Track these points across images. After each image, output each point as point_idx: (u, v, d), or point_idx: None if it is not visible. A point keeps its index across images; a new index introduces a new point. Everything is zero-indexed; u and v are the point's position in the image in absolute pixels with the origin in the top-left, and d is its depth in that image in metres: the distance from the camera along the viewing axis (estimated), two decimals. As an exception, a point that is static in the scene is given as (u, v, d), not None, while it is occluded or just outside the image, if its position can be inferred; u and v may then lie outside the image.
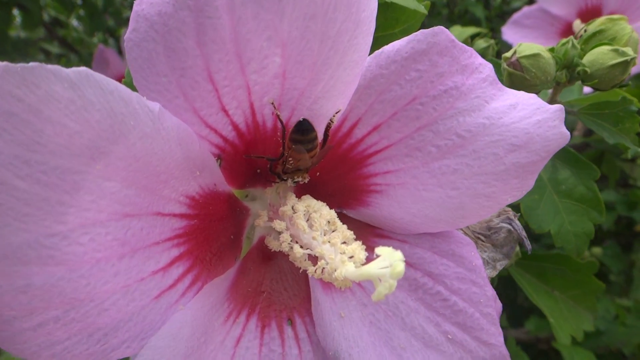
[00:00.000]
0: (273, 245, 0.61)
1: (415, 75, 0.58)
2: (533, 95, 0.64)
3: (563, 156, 1.04)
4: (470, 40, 1.46)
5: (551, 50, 0.91)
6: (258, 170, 0.62)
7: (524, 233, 0.71)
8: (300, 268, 0.59)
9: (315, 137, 0.56)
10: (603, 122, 1.01)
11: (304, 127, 0.55)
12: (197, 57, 0.48)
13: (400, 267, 0.44)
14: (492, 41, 1.41)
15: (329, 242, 0.54)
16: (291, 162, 0.57)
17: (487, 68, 0.62)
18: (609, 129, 1.01)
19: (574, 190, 1.02)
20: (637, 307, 2.32)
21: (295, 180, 0.60)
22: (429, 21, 2.40)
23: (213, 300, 0.57)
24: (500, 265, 0.71)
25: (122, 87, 0.44)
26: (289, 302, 0.63)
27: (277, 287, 0.64)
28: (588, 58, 0.88)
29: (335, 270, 0.51)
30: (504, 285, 1.61)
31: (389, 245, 0.54)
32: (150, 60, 0.47)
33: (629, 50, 0.85)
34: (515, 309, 1.97)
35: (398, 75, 0.58)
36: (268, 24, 0.49)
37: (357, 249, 0.52)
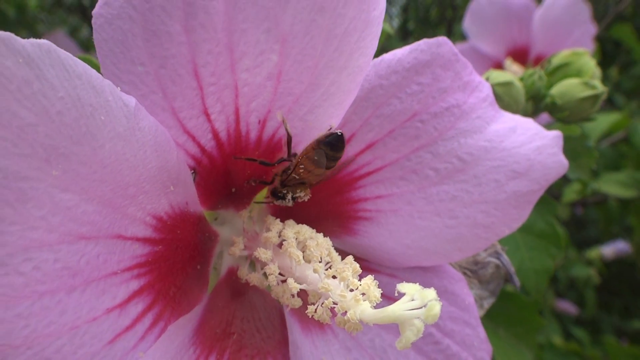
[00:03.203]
0: (251, 278, 0.52)
1: (417, 88, 0.52)
2: (529, 119, 0.60)
3: (522, 190, 1.02)
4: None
5: (520, 79, 0.88)
6: (233, 190, 0.52)
7: (512, 268, 0.66)
8: (278, 305, 0.50)
9: (341, 156, 0.48)
10: (562, 156, 1.00)
11: (339, 143, 0.47)
12: (183, 44, 0.39)
13: (437, 308, 0.37)
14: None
15: (333, 275, 0.45)
16: (301, 172, 0.48)
17: (486, 87, 0.57)
18: (569, 163, 1.00)
19: (534, 225, 1.00)
20: (550, 344, 2.38)
21: (296, 196, 0.51)
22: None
23: (177, 345, 0.47)
24: (487, 304, 0.65)
25: (92, 72, 0.34)
26: (263, 346, 0.54)
27: (249, 328, 0.54)
28: (557, 90, 0.87)
29: (348, 311, 0.42)
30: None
31: (378, 278, 0.47)
32: (125, 44, 0.38)
33: (598, 83, 0.84)
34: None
35: (399, 87, 0.52)
36: (269, 13, 0.41)
37: (371, 285, 0.43)
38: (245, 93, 0.44)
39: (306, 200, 0.51)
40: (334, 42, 0.44)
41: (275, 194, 0.51)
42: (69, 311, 0.38)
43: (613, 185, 2.15)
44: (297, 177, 0.49)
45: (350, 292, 0.43)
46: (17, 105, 0.31)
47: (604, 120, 2.34)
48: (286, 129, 0.47)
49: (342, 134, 0.47)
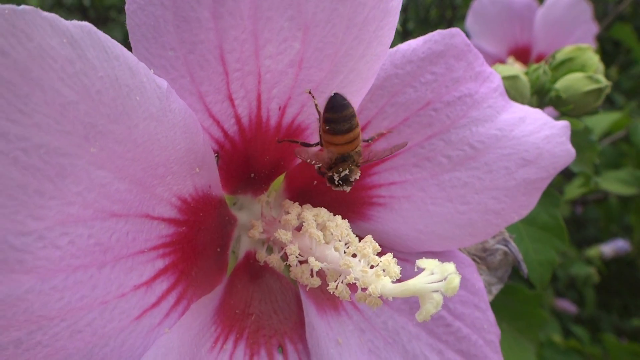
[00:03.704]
0: (271, 260, 0.53)
1: (430, 78, 0.54)
2: (538, 109, 0.61)
3: (526, 183, 1.03)
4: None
5: (525, 74, 0.90)
6: (252, 175, 0.54)
7: (520, 256, 0.68)
8: (294, 288, 0.52)
9: (353, 116, 0.48)
10: (565, 150, 1.02)
11: (337, 103, 0.47)
12: (211, 30, 0.41)
13: (456, 280, 0.38)
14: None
15: (353, 254, 0.47)
16: (329, 147, 0.49)
17: (497, 78, 0.58)
18: (571, 157, 1.01)
19: (538, 217, 1.01)
20: (550, 342, 2.39)
21: (343, 175, 0.50)
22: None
23: (200, 323, 0.48)
24: (495, 290, 0.67)
25: (128, 54, 0.36)
26: (280, 327, 0.55)
27: (267, 309, 0.56)
28: (562, 84, 0.88)
29: (369, 286, 0.44)
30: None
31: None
32: (157, 29, 0.40)
33: (602, 77, 0.86)
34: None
35: (413, 76, 0.53)
36: (292, 1, 0.43)
37: (391, 261, 0.45)
38: (267, 80, 0.46)
39: (357, 178, 0.51)
40: (354, 31, 0.46)
41: (327, 179, 0.52)
42: (100, 286, 0.40)
43: (614, 183, 2.17)
44: (328, 154, 0.49)
45: (371, 269, 0.45)
46: (61, 83, 0.32)
47: (605, 119, 2.36)
48: (316, 108, 0.48)
49: (336, 93, 0.47)
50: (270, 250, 0.55)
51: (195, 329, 0.47)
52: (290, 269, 0.51)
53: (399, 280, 0.47)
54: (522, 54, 2.24)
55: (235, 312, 0.53)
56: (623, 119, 2.40)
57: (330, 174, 0.50)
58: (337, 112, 0.47)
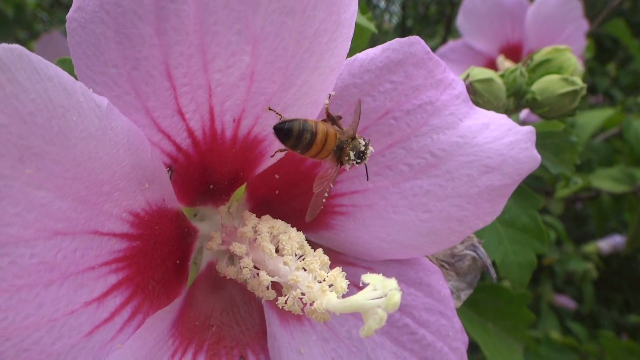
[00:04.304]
0: (228, 272, 0.53)
1: (389, 87, 0.54)
2: (503, 115, 0.61)
3: (506, 185, 1.03)
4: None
5: (500, 77, 0.90)
6: (211, 186, 0.54)
7: (488, 261, 0.68)
8: (257, 298, 0.52)
9: (304, 129, 0.49)
10: (545, 151, 1.02)
11: (281, 134, 0.48)
12: (155, 47, 0.41)
13: (397, 297, 0.38)
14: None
15: (303, 268, 0.47)
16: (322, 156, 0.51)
17: (460, 84, 0.58)
18: (551, 158, 1.01)
19: (517, 219, 1.01)
20: (547, 338, 2.40)
21: (355, 153, 0.52)
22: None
23: (156, 337, 0.48)
24: (464, 295, 0.67)
25: (64, 74, 0.36)
26: (241, 338, 0.55)
27: (228, 320, 0.56)
28: (538, 86, 0.88)
29: (315, 301, 0.44)
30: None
31: (354, 271, 0.49)
32: (98, 47, 0.39)
33: (577, 79, 0.85)
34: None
35: (372, 85, 0.53)
36: (239, 15, 0.42)
37: (338, 276, 0.45)
38: (218, 93, 0.46)
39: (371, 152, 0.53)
40: (304, 44, 0.46)
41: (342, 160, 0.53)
42: (47, 304, 0.40)
43: (605, 181, 2.16)
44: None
45: (318, 284, 0.45)
46: (-10, 108, 0.32)
47: (598, 116, 2.35)
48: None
49: (274, 126, 0.49)
50: (231, 261, 0.55)
51: (151, 343, 0.47)
52: (247, 281, 0.51)
53: (359, 289, 0.47)
54: (513, 52, 2.23)
55: (195, 324, 0.53)
56: (616, 115, 2.40)
57: (346, 158, 0.52)
58: (287, 141, 0.48)
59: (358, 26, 0.91)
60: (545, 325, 2.62)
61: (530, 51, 2.21)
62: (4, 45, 0.33)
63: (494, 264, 0.99)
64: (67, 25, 0.39)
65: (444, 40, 2.68)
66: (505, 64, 2.15)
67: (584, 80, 2.68)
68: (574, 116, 0.90)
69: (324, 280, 0.45)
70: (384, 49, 0.53)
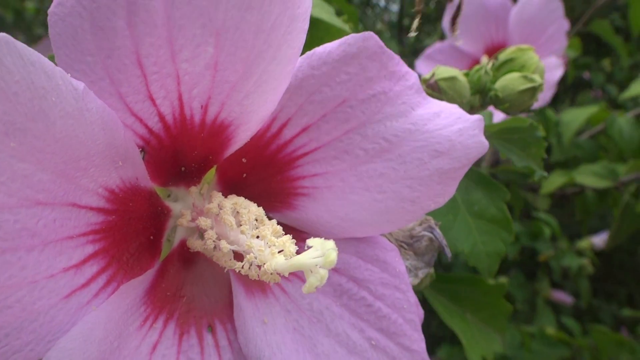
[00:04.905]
0: (196, 245, 0.59)
1: (345, 77, 0.59)
2: (455, 105, 0.66)
3: (476, 178, 1.08)
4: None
5: (466, 75, 0.95)
6: (183, 168, 0.59)
7: (444, 241, 0.73)
8: (225, 273, 0.57)
9: None
10: (512, 146, 1.07)
11: None
12: (127, 38, 0.46)
13: (333, 255, 0.43)
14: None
15: (257, 236, 0.52)
16: None
17: (413, 76, 0.63)
18: (518, 153, 1.06)
19: (486, 211, 1.06)
20: (541, 333, 2.44)
21: None
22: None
23: (129, 303, 0.53)
24: (422, 274, 0.72)
25: (44, 60, 0.41)
26: (210, 308, 0.60)
27: (198, 292, 0.61)
28: (500, 83, 0.94)
29: (265, 264, 0.49)
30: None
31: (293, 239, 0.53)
32: (76, 37, 0.45)
33: (536, 77, 0.91)
34: (429, 337, 2.01)
35: (329, 77, 0.58)
36: (203, 11, 0.48)
37: (287, 241, 0.50)
38: (186, 81, 0.51)
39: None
40: (262, 36, 0.51)
41: None
42: (29, 267, 0.45)
43: (588, 177, 2.21)
44: None
45: (269, 248, 0.50)
46: (-23, 86, 0.37)
47: (582, 113, 2.40)
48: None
49: None
50: (201, 237, 0.60)
51: (123, 308, 0.52)
52: (212, 253, 0.57)
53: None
54: (499, 51, 2.28)
55: (167, 294, 0.58)
56: (601, 112, 2.44)
57: None
58: None
59: (334, 27, 0.96)
60: (541, 321, 2.66)
61: (515, 50, 2.24)
62: (-8, 32, 0.38)
63: (463, 253, 1.04)
64: (48, 18, 0.44)
65: (442, 38, 2.73)
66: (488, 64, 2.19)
67: (570, 76, 2.72)
68: (530, 112, 0.95)
69: (274, 246, 0.50)
70: (340, 43, 0.58)
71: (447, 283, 1.33)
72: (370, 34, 0.59)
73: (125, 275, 0.54)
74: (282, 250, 0.50)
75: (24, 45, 0.40)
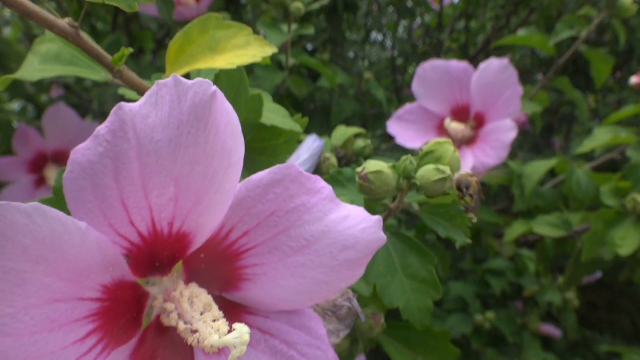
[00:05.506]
0: (165, 321, 0.82)
1: (273, 196, 0.82)
2: (361, 208, 0.89)
3: (410, 245, 1.31)
4: (353, 138, 1.74)
5: (393, 166, 1.19)
6: (157, 264, 0.82)
7: (359, 309, 0.96)
8: (184, 338, 0.80)
9: None
10: (439, 219, 1.30)
11: None
12: (114, 189, 0.70)
13: (246, 337, 0.67)
14: (369, 141, 1.72)
15: (202, 320, 0.76)
16: None
17: (327, 189, 0.87)
18: (444, 224, 1.29)
19: (418, 273, 1.28)
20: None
21: None
22: (338, 100, 2.74)
23: (118, 364, 0.76)
24: (343, 334, 0.94)
25: (61, 214, 0.65)
26: (178, 365, 0.83)
27: (169, 354, 0.84)
28: (419, 173, 1.17)
29: (205, 340, 0.72)
30: (374, 356, 1.83)
31: (256, 319, 0.76)
32: (81, 192, 0.68)
33: (447, 168, 1.14)
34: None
35: (261, 196, 0.82)
36: (165, 166, 0.72)
37: (222, 324, 0.74)
38: (156, 210, 0.75)
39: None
40: (207, 178, 0.75)
41: None
42: (50, 342, 0.68)
43: (544, 227, 2.43)
44: None
45: (210, 328, 0.73)
46: (22, 237, 0.61)
47: (543, 165, 2.63)
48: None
49: None
50: (168, 314, 0.83)
51: (114, 368, 0.75)
52: (177, 327, 0.80)
53: (258, 330, 0.75)
54: (462, 112, 2.53)
55: (145, 356, 0.81)
56: (561, 163, 2.66)
57: None
58: None
59: (284, 131, 1.21)
60: (528, 355, 2.81)
61: (477, 111, 2.49)
62: (30, 203, 0.62)
63: (398, 309, 1.26)
64: (63, 181, 0.68)
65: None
66: (451, 125, 2.43)
67: (537, 126, 2.92)
68: (447, 195, 1.19)
69: (212, 328, 0.74)
70: (269, 172, 0.82)
71: (399, 330, 1.53)
72: (291, 164, 0.83)
73: (116, 344, 0.77)
74: (218, 330, 0.73)
75: (49, 207, 0.64)
